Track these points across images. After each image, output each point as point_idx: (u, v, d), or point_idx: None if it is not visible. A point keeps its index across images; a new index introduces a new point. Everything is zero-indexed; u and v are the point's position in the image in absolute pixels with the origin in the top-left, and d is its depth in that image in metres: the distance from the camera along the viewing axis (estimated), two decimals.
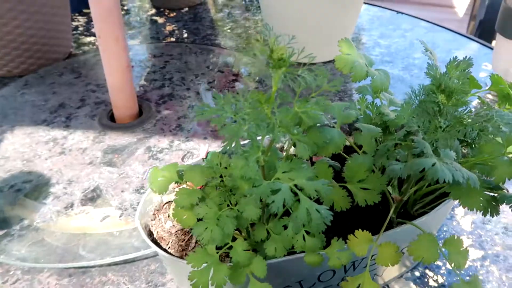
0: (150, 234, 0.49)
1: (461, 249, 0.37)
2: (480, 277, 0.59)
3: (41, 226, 0.65)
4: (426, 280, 0.59)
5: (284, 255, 0.40)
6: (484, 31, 1.77)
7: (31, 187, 0.72)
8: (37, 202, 0.69)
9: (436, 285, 0.58)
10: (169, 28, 1.38)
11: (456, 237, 0.38)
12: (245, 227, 0.37)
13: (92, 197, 0.70)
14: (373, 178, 0.36)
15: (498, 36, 0.92)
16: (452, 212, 0.69)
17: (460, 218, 0.68)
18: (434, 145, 0.33)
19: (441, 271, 0.60)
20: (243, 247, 0.36)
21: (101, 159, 0.78)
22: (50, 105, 0.94)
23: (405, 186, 0.44)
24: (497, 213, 0.40)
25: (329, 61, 1.12)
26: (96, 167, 0.76)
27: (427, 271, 0.60)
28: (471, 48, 1.17)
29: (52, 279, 0.62)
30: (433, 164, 0.31)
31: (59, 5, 1.12)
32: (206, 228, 0.34)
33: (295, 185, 0.33)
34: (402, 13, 1.42)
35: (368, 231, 0.41)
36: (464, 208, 0.36)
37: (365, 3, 1.48)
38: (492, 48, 1.14)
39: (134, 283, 0.61)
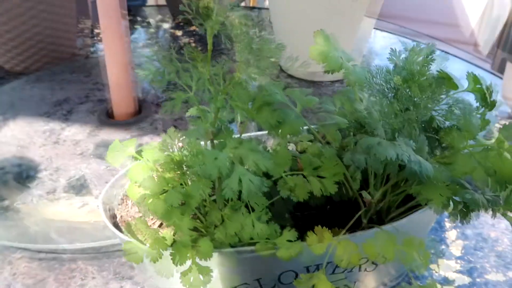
0: (113, 217, 0.48)
1: (421, 251, 0.35)
2: None
3: (20, 207, 0.65)
4: None
5: (236, 243, 0.38)
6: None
7: (19, 171, 0.73)
8: (21, 185, 0.69)
9: None
10: (184, 40, 1.42)
11: (416, 239, 0.35)
12: (194, 207, 0.36)
13: (76, 185, 0.70)
14: (329, 166, 0.35)
15: (508, 64, 0.90)
16: (442, 235, 0.66)
17: (451, 242, 0.64)
18: (396, 134, 0.32)
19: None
20: (189, 225, 0.35)
21: (92, 151, 0.78)
22: (55, 99, 0.96)
23: (374, 183, 0.42)
24: (467, 219, 0.37)
25: (337, 80, 1.11)
26: (85, 158, 0.77)
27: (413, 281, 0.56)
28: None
29: (23, 261, 0.61)
30: (379, 143, 0.29)
31: (65, 4, 1.17)
32: (149, 199, 0.33)
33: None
34: (416, 40, 1.41)
35: (327, 229, 0.39)
36: (425, 204, 0.34)
37: (382, 30, 1.48)
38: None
39: (101, 273, 0.59)
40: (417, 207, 0.46)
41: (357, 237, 0.42)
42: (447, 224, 0.67)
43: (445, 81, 0.39)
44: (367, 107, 0.33)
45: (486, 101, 0.37)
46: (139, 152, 0.39)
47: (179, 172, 0.36)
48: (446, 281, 0.58)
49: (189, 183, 0.36)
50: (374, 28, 1.51)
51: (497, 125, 0.36)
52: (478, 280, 0.58)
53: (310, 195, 0.36)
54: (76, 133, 0.84)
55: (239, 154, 0.29)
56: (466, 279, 0.58)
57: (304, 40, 1.02)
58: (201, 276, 0.34)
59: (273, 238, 0.37)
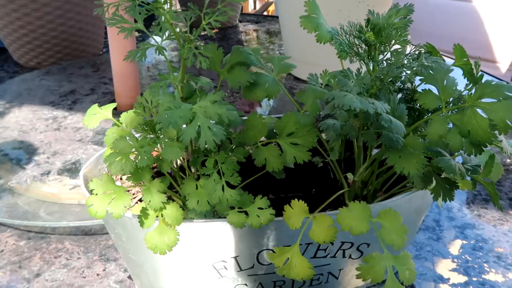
0: None
1: (398, 225, 0.33)
2: None
3: (14, 186, 0.66)
4: None
5: (207, 213, 0.37)
6: None
7: (18, 153, 0.74)
8: (18, 166, 0.70)
9: None
10: (196, 43, 1.44)
11: (393, 211, 0.34)
12: (166, 170, 0.35)
13: (70, 168, 0.71)
14: (302, 132, 0.33)
15: None
16: (440, 234, 0.63)
17: (449, 241, 0.62)
18: (370, 94, 0.30)
19: None
20: (159, 188, 0.34)
21: (91, 138, 0.79)
22: (62, 90, 0.98)
23: (357, 166, 0.41)
24: (450, 197, 0.35)
25: None
26: (83, 144, 0.77)
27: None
28: None
29: (11, 239, 0.61)
30: (345, 95, 0.28)
31: (92, 7, 1.20)
32: (119, 158, 0.33)
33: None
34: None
35: (304, 202, 0.38)
36: (400, 173, 0.32)
37: None
38: None
39: (87, 254, 0.59)
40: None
41: (334, 216, 0.40)
42: (446, 223, 0.65)
43: (431, 53, 0.38)
44: (343, 71, 0.32)
45: (473, 75, 0.35)
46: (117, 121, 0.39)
47: (152, 135, 0.35)
48: (440, 278, 0.55)
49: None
50: None
51: None
52: (474, 279, 0.55)
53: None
54: (77, 121, 0.85)
55: (203, 105, 0.28)
56: (462, 278, 0.55)
57: (311, 47, 1.02)
58: (166, 238, 0.34)
59: (246, 207, 0.36)
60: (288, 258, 0.37)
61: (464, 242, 0.61)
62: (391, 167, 0.44)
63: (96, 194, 0.33)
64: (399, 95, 0.35)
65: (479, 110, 0.27)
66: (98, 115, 0.38)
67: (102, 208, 0.33)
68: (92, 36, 1.26)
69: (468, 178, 0.37)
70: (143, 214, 0.34)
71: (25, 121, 0.85)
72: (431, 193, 0.36)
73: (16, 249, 0.60)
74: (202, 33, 1.56)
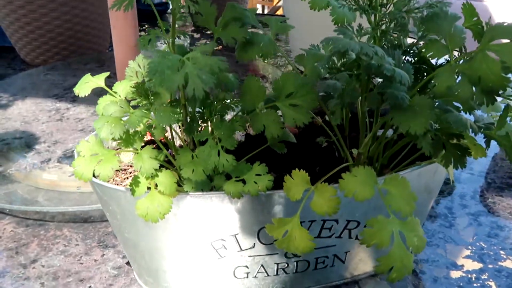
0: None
1: (406, 192, 0.31)
2: None
3: (13, 173, 0.65)
4: (403, 282, 0.50)
5: (204, 185, 0.35)
6: None
7: (19, 143, 0.73)
8: (18, 155, 0.69)
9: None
10: (202, 41, 1.43)
11: (401, 178, 0.31)
12: (158, 138, 0.34)
13: (71, 156, 0.70)
14: (302, 92, 0.31)
15: None
16: (452, 221, 0.60)
17: (462, 228, 0.59)
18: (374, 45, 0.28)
19: (420, 274, 0.51)
20: (151, 154, 0.32)
21: (93, 128, 0.78)
22: (66, 84, 0.98)
23: (361, 136, 0.38)
24: (462, 164, 0.33)
25: None
26: (85, 134, 0.76)
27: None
28: None
29: (10, 227, 0.60)
30: (343, 39, 0.26)
31: (98, 4, 1.21)
32: (108, 122, 0.31)
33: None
34: None
35: (305, 172, 0.36)
36: (405, 133, 0.30)
37: None
38: None
39: (85, 241, 0.57)
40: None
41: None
42: (458, 211, 0.62)
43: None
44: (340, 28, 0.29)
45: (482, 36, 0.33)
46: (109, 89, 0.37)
47: (145, 101, 0.34)
48: (453, 265, 0.52)
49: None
50: None
51: None
52: (490, 266, 0.52)
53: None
54: (80, 113, 0.84)
55: (193, 55, 0.27)
56: (476, 265, 0.52)
57: (317, 34, 1.00)
58: (158, 205, 0.32)
59: (243, 175, 0.34)
60: (287, 231, 0.34)
61: (478, 229, 0.58)
62: (397, 140, 0.42)
63: (83, 157, 0.31)
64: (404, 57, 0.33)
65: (490, 54, 0.25)
66: (90, 83, 0.36)
67: (89, 170, 0.31)
68: (98, 33, 1.27)
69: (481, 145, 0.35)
70: (134, 182, 0.32)
71: (28, 112, 0.84)
72: (441, 159, 0.33)
73: (14, 235, 0.58)
74: (209, 32, 1.55)
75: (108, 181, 0.41)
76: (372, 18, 0.29)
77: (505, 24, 0.25)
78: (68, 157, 0.69)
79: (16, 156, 0.69)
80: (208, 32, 1.55)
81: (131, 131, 0.32)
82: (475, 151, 0.34)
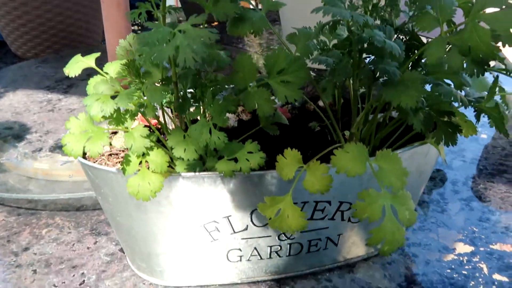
0: (84, 156, 0.46)
1: (397, 167, 0.31)
2: (464, 272, 0.49)
3: (4, 163, 0.64)
4: (395, 266, 0.50)
5: (196, 166, 0.35)
6: None
7: (10, 133, 0.72)
8: (9, 144, 0.69)
9: (404, 273, 0.49)
10: None
11: (392, 153, 0.31)
12: (149, 116, 0.33)
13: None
14: (293, 67, 0.31)
15: None
16: (444, 206, 0.60)
17: (454, 213, 0.59)
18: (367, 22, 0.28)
19: (413, 257, 0.51)
20: (142, 132, 0.32)
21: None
22: (58, 76, 0.97)
23: (353, 118, 0.39)
24: (453, 141, 0.33)
25: None
26: None
27: (396, 256, 0.51)
28: None
29: (1, 216, 0.60)
30: (333, 5, 0.26)
31: None
32: (98, 99, 0.31)
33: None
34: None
35: (298, 151, 0.36)
36: (396, 108, 0.30)
37: None
38: None
39: (78, 228, 0.57)
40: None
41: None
42: (450, 196, 0.62)
43: None
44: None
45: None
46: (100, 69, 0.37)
47: (136, 80, 0.33)
48: (445, 248, 0.53)
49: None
50: None
51: None
52: (481, 249, 0.53)
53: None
54: (72, 103, 0.83)
55: (183, 27, 0.26)
56: (468, 248, 0.53)
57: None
58: (149, 183, 0.31)
59: (235, 154, 0.34)
60: (280, 209, 0.34)
61: (470, 213, 0.59)
62: (389, 121, 0.42)
63: (73, 134, 0.31)
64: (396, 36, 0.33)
65: (481, 24, 0.25)
66: (81, 63, 0.36)
67: (79, 146, 0.31)
68: (91, 27, 1.26)
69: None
70: (126, 161, 0.32)
71: (19, 104, 0.83)
72: (433, 137, 0.34)
73: (5, 224, 0.58)
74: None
75: (100, 163, 0.41)
76: None
77: None
78: (60, 146, 0.69)
79: (7, 146, 0.68)
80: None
81: (122, 110, 0.32)
82: (466, 128, 0.34)
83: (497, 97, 0.34)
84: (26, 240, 0.55)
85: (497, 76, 0.28)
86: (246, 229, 0.42)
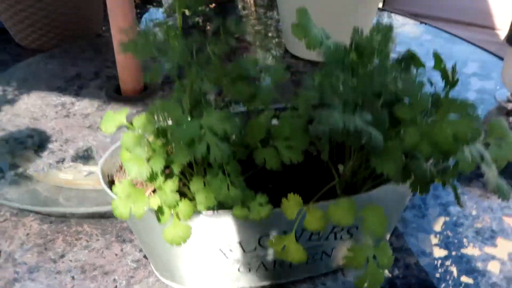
0: (111, 183, 0.53)
1: (379, 217, 0.38)
2: (437, 276, 0.58)
3: (33, 174, 0.71)
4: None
5: (215, 206, 0.42)
6: None
7: (32, 142, 0.78)
8: (34, 155, 0.75)
9: (386, 277, 0.58)
10: (193, 19, 1.45)
11: (376, 206, 0.39)
12: (178, 172, 0.40)
13: (83, 155, 0.76)
14: (296, 136, 0.38)
15: (508, 48, 0.90)
16: (425, 212, 0.69)
17: (433, 218, 0.68)
18: (357, 108, 0.35)
19: (395, 262, 0.60)
20: (172, 188, 0.39)
21: (99, 124, 0.83)
22: (67, 74, 1.01)
23: (346, 159, 0.46)
24: (427, 190, 0.40)
25: None
26: (93, 131, 0.82)
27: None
28: (487, 61, 1.14)
29: (35, 223, 0.67)
30: (330, 114, 0.32)
31: None
32: (136, 165, 0.38)
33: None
34: (425, 23, 1.41)
35: (299, 196, 0.43)
36: (380, 172, 0.37)
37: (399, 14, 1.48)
38: None
39: (105, 235, 0.65)
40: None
41: (325, 206, 0.45)
42: (431, 201, 0.70)
43: (413, 60, 0.42)
44: (330, 83, 0.36)
45: (448, 79, 0.39)
46: (130, 122, 0.43)
47: (164, 140, 0.40)
48: (423, 253, 0.62)
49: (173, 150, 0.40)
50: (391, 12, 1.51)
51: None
52: (453, 253, 0.62)
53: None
54: (85, 107, 0.89)
55: (210, 122, 0.33)
56: (442, 252, 0.62)
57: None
58: (180, 232, 0.39)
59: (248, 203, 0.41)
60: (285, 245, 0.42)
61: (447, 218, 0.67)
62: None
63: (119, 198, 0.38)
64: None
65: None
66: (114, 121, 0.42)
67: (126, 210, 0.38)
68: (92, 16, 1.28)
69: None
70: (159, 211, 0.39)
71: (35, 108, 0.89)
72: (409, 186, 0.41)
73: (40, 232, 0.66)
74: (200, 9, 1.56)
75: None
76: (354, 82, 0.35)
77: (457, 102, 0.32)
78: (81, 156, 0.76)
79: (32, 156, 0.75)
80: (200, 9, 1.55)
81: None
82: (437, 179, 0.41)
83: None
84: (61, 247, 0.63)
85: (457, 163, 0.35)
86: (254, 249, 0.51)
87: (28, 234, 0.65)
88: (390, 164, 0.36)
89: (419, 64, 0.41)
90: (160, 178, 0.40)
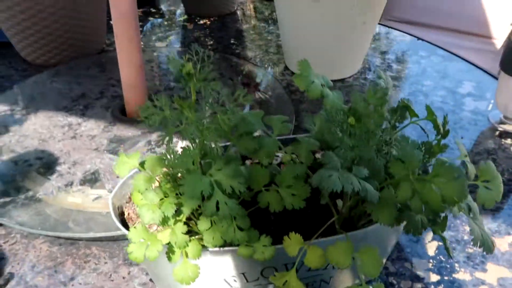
0: (122, 214, 0.56)
1: (374, 259, 0.41)
2: None
3: (42, 198, 0.74)
4: None
5: (222, 245, 0.45)
6: None
7: (41, 164, 0.81)
8: (43, 177, 0.78)
9: None
10: (196, 34, 1.47)
11: (371, 248, 0.42)
12: (187, 215, 0.43)
13: (91, 179, 0.78)
14: (298, 185, 0.41)
15: (501, 72, 0.93)
16: (419, 236, 0.72)
17: (427, 243, 0.71)
18: (354, 161, 0.38)
19: (390, 286, 0.63)
20: (182, 230, 0.42)
21: (106, 146, 0.86)
22: (73, 94, 1.04)
23: (344, 199, 0.49)
24: (419, 233, 0.44)
25: (338, 80, 1.16)
26: (100, 153, 0.84)
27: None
28: (482, 81, 1.18)
29: (45, 246, 0.70)
30: (330, 176, 0.35)
31: (95, 3, 1.23)
32: (149, 211, 0.40)
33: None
34: (422, 39, 1.44)
35: (300, 235, 0.46)
36: (376, 221, 0.40)
37: (395, 29, 1.51)
38: None
39: (113, 259, 0.68)
40: None
41: (324, 243, 0.48)
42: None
43: (406, 109, 0.45)
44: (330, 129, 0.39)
45: (439, 130, 0.42)
46: (142, 164, 0.46)
47: (174, 184, 0.43)
48: (417, 278, 0.65)
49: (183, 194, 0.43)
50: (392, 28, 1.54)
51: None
52: (446, 278, 0.65)
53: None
54: (91, 128, 0.92)
55: (219, 179, 0.36)
56: (435, 277, 0.65)
57: (308, 34, 1.07)
58: (190, 272, 0.42)
59: (253, 242, 0.44)
60: (286, 281, 0.45)
61: (440, 243, 0.71)
62: None
63: (134, 243, 0.41)
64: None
65: (435, 187, 0.35)
66: (127, 164, 0.45)
67: (140, 254, 0.41)
68: (95, 32, 1.30)
69: None
70: (170, 250, 0.42)
71: (43, 128, 0.91)
72: (403, 229, 0.44)
73: (50, 254, 0.69)
74: (202, 22, 1.59)
75: None
76: (351, 143, 0.38)
77: (447, 165, 0.35)
78: (88, 180, 0.78)
79: (41, 179, 0.78)
80: (201, 22, 1.58)
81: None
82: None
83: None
84: (71, 270, 0.66)
85: (446, 216, 0.38)
86: (257, 279, 0.54)
87: (38, 256, 0.68)
88: (385, 214, 0.39)
89: (412, 114, 0.44)
90: (171, 221, 0.43)
